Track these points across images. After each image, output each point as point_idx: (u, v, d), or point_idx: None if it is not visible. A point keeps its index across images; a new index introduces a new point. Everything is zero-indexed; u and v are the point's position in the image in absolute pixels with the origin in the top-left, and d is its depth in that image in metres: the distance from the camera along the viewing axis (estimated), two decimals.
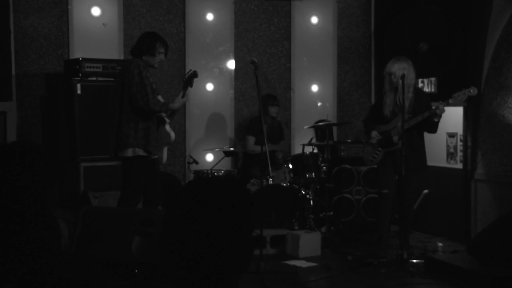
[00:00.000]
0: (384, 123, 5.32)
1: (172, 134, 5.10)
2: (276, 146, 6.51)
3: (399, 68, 5.14)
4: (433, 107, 5.10)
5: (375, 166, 5.58)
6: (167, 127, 5.06)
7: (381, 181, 5.38)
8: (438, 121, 5.14)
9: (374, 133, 5.31)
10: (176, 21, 6.79)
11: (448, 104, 5.04)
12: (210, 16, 6.88)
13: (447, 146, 6.44)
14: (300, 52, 7.15)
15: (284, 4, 7.09)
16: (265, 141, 5.38)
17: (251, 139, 6.46)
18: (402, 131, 4.97)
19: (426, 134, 5.40)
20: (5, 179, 1.87)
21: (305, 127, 6.52)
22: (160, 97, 5.03)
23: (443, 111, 5.05)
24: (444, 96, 5.30)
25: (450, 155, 6.42)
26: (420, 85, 6.50)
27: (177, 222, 1.50)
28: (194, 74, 4.95)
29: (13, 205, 1.81)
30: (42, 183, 1.96)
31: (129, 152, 4.80)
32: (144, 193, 4.96)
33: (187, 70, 6.69)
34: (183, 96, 4.97)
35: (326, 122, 6.27)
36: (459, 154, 6.27)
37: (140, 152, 4.83)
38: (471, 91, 5.02)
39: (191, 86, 4.97)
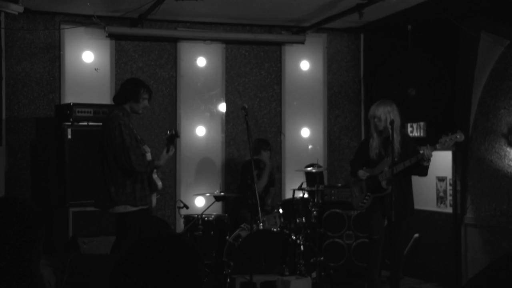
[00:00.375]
0: (370, 167, 5.31)
1: (159, 183, 5.06)
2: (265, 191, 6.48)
3: (384, 112, 5.18)
4: (420, 152, 5.13)
5: (364, 211, 5.56)
6: (154, 176, 5.02)
7: (371, 227, 5.35)
8: (428, 164, 5.15)
9: (362, 172, 5.30)
10: (168, 65, 6.87)
11: (435, 149, 5.05)
12: (201, 61, 6.96)
13: (437, 190, 6.46)
14: (290, 96, 7.22)
15: (275, 49, 7.20)
16: (255, 186, 5.39)
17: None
18: (392, 175, 4.97)
19: (415, 178, 5.40)
20: None
21: (295, 170, 6.53)
22: (146, 147, 4.98)
23: (431, 155, 5.05)
24: (433, 140, 5.34)
25: (440, 199, 6.43)
26: (409, 129, 6.56)
27: (126, 284, 1.47)
28: (176, 134, 4.93)
29: None
30: (28, 241, 1.95)
31: (120, 209, 4.77)
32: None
33: (179, 114, 6.77)
34: (167, 152, 4.93)
35: (317, 167, 6.28)
36: (449, 198, 6.28)
37: (130, 208, 4.80)
38: (458, 136, 5.02)
39: (173, 145, 4.95)
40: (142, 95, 4.87)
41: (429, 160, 5.07)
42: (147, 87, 4.94)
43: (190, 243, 1.55)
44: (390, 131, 5.00)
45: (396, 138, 5.11)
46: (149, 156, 4.95)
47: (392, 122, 5.03)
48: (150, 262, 1.48)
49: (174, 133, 4.92)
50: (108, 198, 4.79)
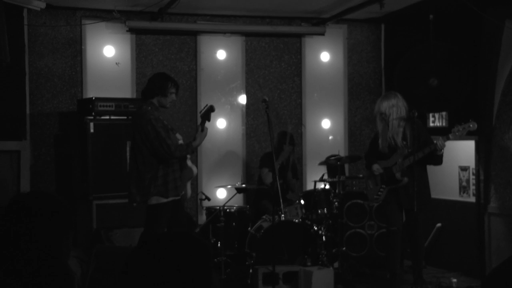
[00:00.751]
0: (384, 159, 5.30)
1: (194, 169, 5.15)
2: (291, 180, 6.48)
3: (388, 106, 5.18)
4: (434, 141, 5.10)
5: (380, 203, 5.53)
6: (189, 163, 5.10)
7: (389, 219, 5.33)
8: (441, 153, 5.13)
9: (376, 166, 5.28)
10: (188, 59, 6.90)
11: (448, 139, 5.02)
12: (221, 54, 6.98)
13: (460, 179, 6.41)
14: (311, 88, 7.21)
15: (294, 41, 7.19)
16: (277, 177, 5.40)
17: (265, 170, 6.34)
18: (404, 167, 4.96)
19: (438, 168, 5.37)
20: (21, 230, 1.90)
21: (318, 163, 6.52)
22: (178, 135, 5.07)
23: (444, 146, 5.03)
24: None
25: (463, 189, 6.38)
26: (431, 119, 6.51)
27: (136, 282, 1.48)
28: (211, 108, 4.95)
29: (29, 256, 1.83)
30: (56, 235, 1.99)
31: (153, 200, 4.84)
32: (168, 230, 4.98)
33: (199, 107, 6.80)
34: (202, 130, 4.98)
35: (337, 157, 6.26)
36: (472, 187, 6.23)
37: (162, 199, 4.85)
38: (471, 125, 4.99)
39: (208, 120, 4.97)
40: (170, 89, 4.92)
41: (442, 150, 5.05)
42: (174, 81, 5.00)
43: (200, 240, 1.56)
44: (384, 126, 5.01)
45: (399, 129, 5.11)
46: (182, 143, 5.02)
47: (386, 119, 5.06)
48: (160, 258, 1.49)
49: (209, 107, 4.90)
50: (143, 191, 4.84)
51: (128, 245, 5.32)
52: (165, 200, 4.86)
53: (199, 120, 5.00)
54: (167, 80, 4.95)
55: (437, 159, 5.14)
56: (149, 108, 4.88)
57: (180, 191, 4.98)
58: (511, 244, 5.67)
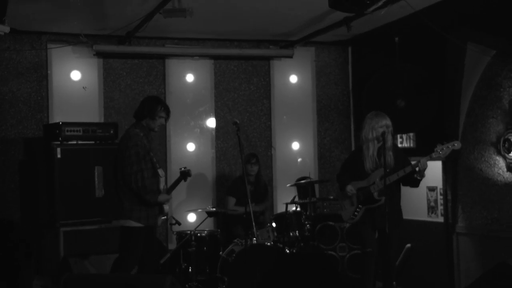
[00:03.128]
0: (361, 178, 5.27)
1: (166, 207, 5.09)
2: (258, 206, 6.46)
3: (388, 125, 5.16)
4: (413, 162, 5.12)
5: (354, 224, 5.52)
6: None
7: (364, 240, 5.32)
8: (421, 178, 5.14)
9: (349, 187, 5.27)
10: (157, 82, 6.86)
11: (431, 159, 5.04)
12: (190, 77, 6.97)
13: (428, 199, 6.48)
14: (280, 110, 7.24)
15: (263, 64, 7.22)
16: (249, 200, 5.37)
17: (231, 200, 6.43)
18: (385, 186, 4.95)
19: (406, 188, 5.39)
20: None
21: (288, 185, 6.53)
22: (161, 171, 5.00)
23: (425, 166, 5.04)
24: (423, 151, 5.35)
25: (431, 209, 6.45)
26: (399, 140, 6.59)
27: None
28: (188, 173, 5.07)
29: None
30: (16, 264, 1.92)
31: (132, 223, 4.76)
32: (140, 258, 4.90)
33: (168, 131, 6.75)
34: (172, 189, 5.03)
35: (308, 180, 6.28)
36: (440, 207, 6.31)
37: (137, 224, 4.82)
38: (455, 144, 4.99)
39: (185, 180, 5.12)
40: (159, 113, 4.92)
41: (423, 172, 5.06)
42: (165, 105, 4.99)
43: (330, 260, 1.56)
44: (384, 141, 5.01)
45: (389, 148, 5.12)
46: (162, 181, 4.97)
47: (383, 134, 5.05)
48: (295, 277, 1.49)
49: (187, 170, 5.03)
50: (122, 211, 4.79)
51: (97, 272, 5.20)
52: (140, 225, 4.80)
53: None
54: (157, 103, 4.96)
55: (415, 182, 5.16)
56: (139, 131, 4.85)
57: (156, 219, 4.92)
58: (480, 264, 5.74)
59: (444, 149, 4.98)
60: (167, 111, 4.99)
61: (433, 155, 5.00)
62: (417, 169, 5.02)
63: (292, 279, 1.37)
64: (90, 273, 5.42)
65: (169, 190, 5.05)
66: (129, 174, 4.71)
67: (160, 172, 4.97)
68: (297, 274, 1.39)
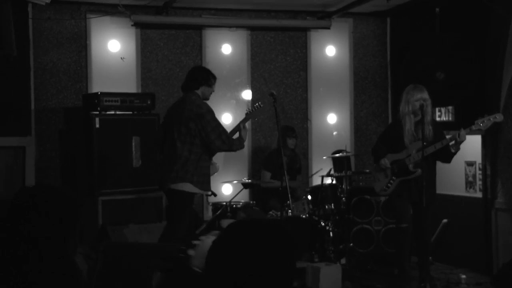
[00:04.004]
0: (398, 151, 5.21)
1: (218, 166, 5.23)
2: (292, 182, 6.45)
3: (429, 96, 5.08)
4: (453, 135, 5.02)
5: (388, 196, 5.47)
6: (212, 159, 5.18)
7: (399, 215, 5.27)
8: (455, 152, 5.05)
9: (384, 161, 5.20)
10: (193, 53, 6.86)
11: (471, 131, 4.93)
12: (226, 48, 6.94)
13: (466, 175, 6.38)
14: (316, 82, 7.17)
15: (300, 35, 7.14)
16: (285, 173, 5.37)
17: (267, 175, 6.44)
18: (422, 159, 4.88)
19: (442, 163, 5.31)
20: (25, 226, 1.87)
21: (324, 157, 6.51)
22: None
23: (464, 138, 4.93)
24: (461, 124, 5.23)
25: (469, 184, 6.35)
26: (437, 113, 6.47)
27: (221, 264, 1.49)
28: (263, 108, 5.30)
29: (33, 251, 1.80)
30: (63, 230, 1.96)
31: (186, 187, 4.88)
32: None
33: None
34: (244, 127, 5.18)
35: (344, 154, 6.23)
36: (478, 183, 6.20)
37: (195, 190, 4.97)
38: (497, 117, 4.87)
39: (255, 118, 5.39)
40: (212, 80, 5.07)
41: (459, 145, 4.97)
42: (213, 73, 5.16)
43: (285, 229, 1.57)
44: (422, 114, 4.93)
45: (428, 122, 5.04)
46: None
47: (422, 107, 4.98)
48: (245, 245, 1.50)
49: (261, 107, 5.27)
50: (177, 174, 4.88)
51: (136, 241, 5.30)
52: (198, 191, 4.96)
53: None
54: (208, 72, 5.14)
55: (449, 156, 5.08)
56: (200, 99, 4.99)
57: (209, 187, 5.08)
58: None
59: (485, 121, 4.88)
60: (215, 78, 5.14)
61: (473, 127, 4.90)
62: (453, 141, 4.92)
63: (243, 248, 1.37)
64: (128, 241, 5.52)
65: (244, 121, 5.19)
66: (214, 139, 4.86)
67: None
68: (249, 242, 1.39)
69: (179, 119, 4.95)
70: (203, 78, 5.02)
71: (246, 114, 5.29)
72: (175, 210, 4.97)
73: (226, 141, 4.92)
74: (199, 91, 5.01)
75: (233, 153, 6.88)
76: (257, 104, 5.31)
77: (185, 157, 4.89)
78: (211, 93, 5.12)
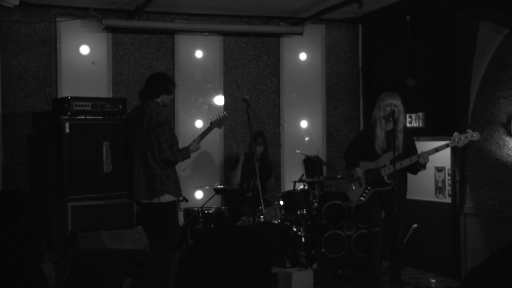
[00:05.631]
0: (369, 159, 5.22)
1: (181, 175, 5.22)
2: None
3: (400, 103, 5.10)
4: (429, 150, 5.05)
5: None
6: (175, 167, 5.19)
7: (370, 220, 5.32)
8: (425, 166, 5.13)
9: (358, 170, 5.21)
10: (165, 58, 6.82)
11: (436, 151, 5.01)
12: (199, 53, 6.92)
13: (435, 180, 6.46)
14: (289, 88, 7.20)
15: (273, 41, 7.16)
16: (257, 177, 5.37)
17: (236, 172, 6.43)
18: (394, 172, 4.91)
19: None
20: None
21: (297, 151, 6.53)
22: None
23: (427, 160, 5.00)
24: (432, 131, 5.31)
25: (439, 189, 6.43)
26: (408, 120, 6.55)
27: (194, 274, 1.47)
28: (226, 118, 5.24)
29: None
30: (29, 236, 1.91)
31: (166, 198, 4.91)
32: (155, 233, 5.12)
33: (176, 107, 6.72)
34: (198, 142, 5.18)
35: (316, 155, 6.26)
36: (448, 188, 6.29)
37: (174, 198, 5.04)
38: (474, 135, 4.96)
39: (220, 127, 5.32)
40: (172, 88, 5.06)
41: (425, 164, 5.05)
42: (172, 80, 5.15)
43: (259, 235, 1.55)
44: (394, 122, 4.97)
45: (400, 130, 5.08)
46: None
47: (393, 114, 5.01)
48: (219, 252, 1.48)
49: (224, 116, 5.22)
50: (154, 187, 4.89)
51: (106, 248, 5.23)
52: (174, 198, 5.00)
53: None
54: (168, 79, 5.10)
55: (416, 169, 5.17)
56: (159, 107, 4.97)
57: (181, 192, 5.15)
58: (486, 245, 5.73)
59: (462, 138, 4.95)
60: (175, 85, 5.17)
61: (450, 143, 4.96)
62: (420, 160, 4.99)
63: (216, 255, 1.35)
64: (97, 248, 5.45)
65: (200, 138, 5.18)
66: (165, 149, 4.85)
67: None
68: (222, 249, 1.37)
69: (142, 128, 4.92)
70: (163, 86, 4.99)
71: (211, 123, 5.26)
72: (162, 219, 5.00)
73: (176, 153, 4.93)
74: (159, 99, 4.99)
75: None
76: (221, 114, 5.31)
77: (159, 169, 4.90)
78: (170, 100, 5.14)
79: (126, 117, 5.32)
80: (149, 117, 4.92)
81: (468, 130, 5.06)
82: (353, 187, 5.31)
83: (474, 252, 5.83)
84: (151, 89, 5.01)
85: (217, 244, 1.51)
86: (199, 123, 6.90)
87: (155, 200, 4.95)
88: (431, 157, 5.11)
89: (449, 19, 5.78)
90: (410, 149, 5.12)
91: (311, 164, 6.35)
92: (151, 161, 4.90)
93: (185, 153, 5.05)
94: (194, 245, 1.54)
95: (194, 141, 5.18)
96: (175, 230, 5.08)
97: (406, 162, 5.04)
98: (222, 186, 6.15)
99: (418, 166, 5.09)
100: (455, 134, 4.97)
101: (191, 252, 1.52)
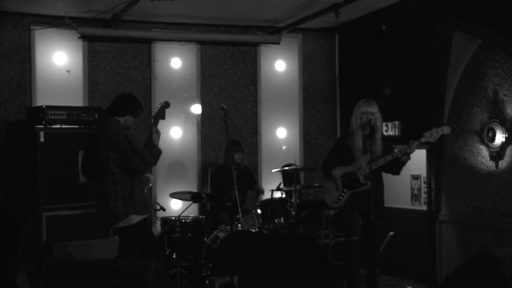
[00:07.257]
0: (346, 164, 5.27)
1: (151, 177, 5.04)
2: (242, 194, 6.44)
3: (377, 110, 5.15)
4: (403, 146, 5.11)
5: (338, 209, 5.51)
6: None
7: (349, 228, 5.31)
8: (406, 162, 5.15)
9: (336, 170, 5.24)
10: (142, 67, 6.79)
11: (420, 143, 5.05)
12: (176, 62, 6.91)
13: (411, 188, 6.52)
14: (266, 97, 7.22)
15: (250, 50, 7.18)
16: (235, 187, 5.35)
17: (207, 189, 6.37)
18: (370, 172, 4.94)
19: (389, 177, 5.40)
20: None
21: (273, 170, 6.53)
22: None
23: (414, 150, 5.05)
24: (408, 139, 5.34)
25: (415, 197, 6.50)
26: (385, 128, 6.61)
27: (257, 279, 1.46)
28: (166, 105, 4.87)
29: None
30: (2, 248, 1.88)
31: (133, 220, 4.65)
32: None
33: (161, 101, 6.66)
34: (156, 132, 4.86)
35: (294, 167, 6.28)
36: (423, 196, 6.35)
37: (142, 216, 4.71)
38: (444, 129, 5.02)
39: (163, 118, 4.89)
40: (139, 111, 4.81)
41: (409, 156, 5.07)
42: (141, 105, 4.90)
43: (317, 242, 1.55)
44: (371, 130, 5.02)
45: (379, 138, 5.13)
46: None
47: (370, 122, 5.06)
48: (280, 258, 1.48)
49: (164, 103, 4.85)
50: (112, 213, 4.63)
51: (81, 258, 5.17)
52: (141, 217, 4.70)
53: (152, 121, 4.85)
54: (138, 102, 4.85)
55: (399, 167, 5.17)
56: (119, 125, 4.69)
57: (150, 209, 4.84)
58: (462, 251, 5.79)
59: (433, 133, 5.00)
60: (143, 111, 4.91)
61: (422, 139, 5.01)
62: (408, 151, 5.02)
63: (277, 261, 1.34)
64: (73, 258, 5.38)
65: (154, 128, 4.85)
66: (137, 164, 4.59)
67: None
68: (283, 256, 1.37)
69: (100, 149, 4.69)
70: (131, 107, 4.76)
71: (153, 117, 5.01)
72: (124, 245, 4.79)
73: (150, 159, 4.69)
74: (122, 119, 4.73)
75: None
76: (160, 103, 4.94)
77: (120, 191, 4.64)
78: (133, 124, 4.83)
79: (91, 136, 5.07)
80: (106, 138, 4.66)
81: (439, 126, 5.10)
82: (330, 190, 5.34)
83: (450, 259, 5.89)
84: (117, 106, 4.80)
85: (278, 252, 1.50)
86: (176, 132, 6.87)
87: (118, 226, 4.67)
88: (406, 164, 5.15)
89: (424, 30, 5.86)
90: (388, 153, 5.16)
91: (288, 173, 6.35)
92: (111, 186, 4.62)
93: (155, 151, 4.76)
94: (255, 253, 1.53)
95: (150, 133, 4.84)
96: (134, 255, 4.73)
97: (381, 162, 5.07)
98: (200, 193, 6.12)
99: (402, 158, 5.07)
100: (426, 131, 5.03)
101: (253, 261, 1.51)
